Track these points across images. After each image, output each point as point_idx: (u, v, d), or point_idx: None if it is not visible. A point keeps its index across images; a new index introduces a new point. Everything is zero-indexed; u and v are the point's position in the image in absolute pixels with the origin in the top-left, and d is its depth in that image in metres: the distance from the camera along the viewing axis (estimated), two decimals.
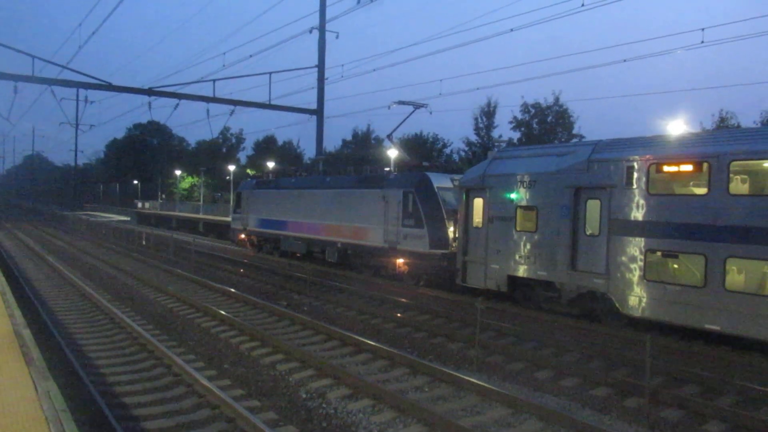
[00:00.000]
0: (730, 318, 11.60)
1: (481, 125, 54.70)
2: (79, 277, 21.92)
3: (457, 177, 20.52)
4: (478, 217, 17.38)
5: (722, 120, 38.78)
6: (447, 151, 63.67)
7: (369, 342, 12.20)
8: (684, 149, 13.06)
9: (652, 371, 9.20)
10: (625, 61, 24.05)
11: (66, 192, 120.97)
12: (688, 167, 12.95)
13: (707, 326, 11.97)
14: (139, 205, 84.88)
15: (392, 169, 26.73)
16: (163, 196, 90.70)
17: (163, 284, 19.96)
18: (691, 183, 13.08)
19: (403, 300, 17.44)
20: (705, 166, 12.29)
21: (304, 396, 9.43)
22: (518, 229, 16.03)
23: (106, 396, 8.99)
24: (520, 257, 15.93)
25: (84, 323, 14.53)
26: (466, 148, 56.10)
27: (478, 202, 17.35)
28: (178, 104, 32.24)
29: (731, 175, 11.87)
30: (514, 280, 16.31)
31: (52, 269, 24.45)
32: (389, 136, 25.10)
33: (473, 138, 55.25)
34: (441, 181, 20.53)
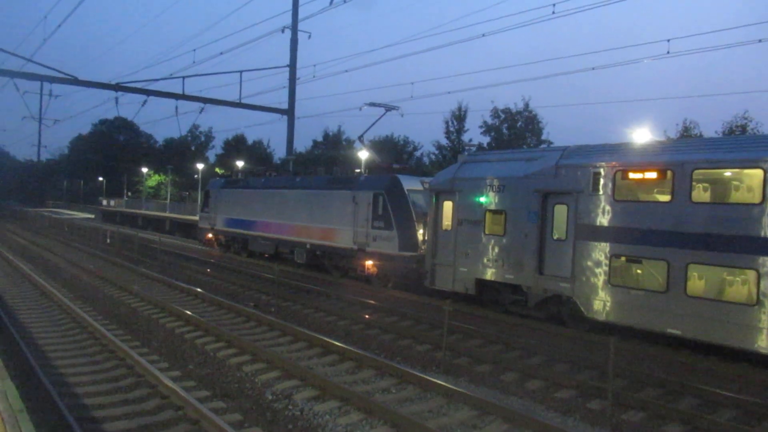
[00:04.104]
0: (691, 323, 11.87)
1: (451, 129, 55.07)
2: (40, 274, 21.38)
3: (427, 180, 20.61)
4: (447, 220, 17.46)
5: (686, 129, 39.68)
6: (417, 153, 64.04)
7: (337, 343, 12.14)
8: (649, 157, 13.33)
9: (615, 374, 9.36)
10: (594, 69, 24.53)
11: (28, 188, 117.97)
12: (652, 174, 13.23)
13: (669, 330, 12.23)
14: (104, 202, 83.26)
15: (363, 170, 26.71)
16: (129, 193, 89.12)
17: (128, 284, 19.57)
18: (655, 190, 13.35)
19: (372, 302, 17.42)
20: (669, 173, 12.57)
21: (270, 397, 9.34)
22: (487, 232, 16.16)
23: (65, 397, 8.78)
24: (488, 260, 16.06)
25: (44, 322, 14.17)
26: (437, 152, 56.44)
27: (448, 205, 17.44)
28: (146, 100, 31.64)
29: (694, 183, 12.16)
30: (482, 283, 16.43)
31: (11, 266, 23.79)
32: (360, 138, 25.07)
33: (444, 141, 55.61)
34: (411, 184, 20.58)
